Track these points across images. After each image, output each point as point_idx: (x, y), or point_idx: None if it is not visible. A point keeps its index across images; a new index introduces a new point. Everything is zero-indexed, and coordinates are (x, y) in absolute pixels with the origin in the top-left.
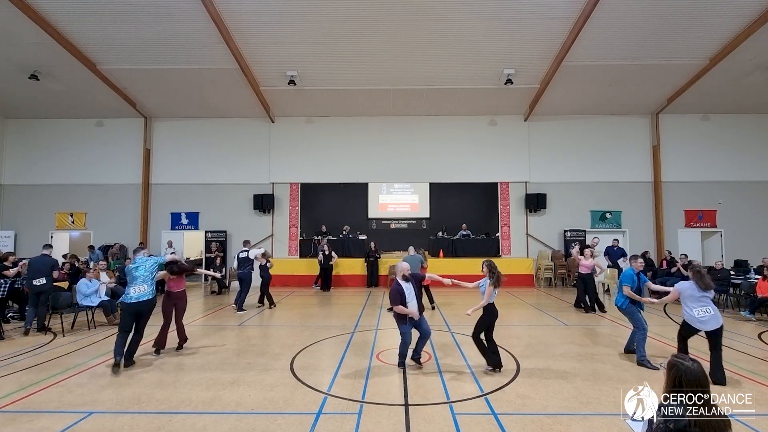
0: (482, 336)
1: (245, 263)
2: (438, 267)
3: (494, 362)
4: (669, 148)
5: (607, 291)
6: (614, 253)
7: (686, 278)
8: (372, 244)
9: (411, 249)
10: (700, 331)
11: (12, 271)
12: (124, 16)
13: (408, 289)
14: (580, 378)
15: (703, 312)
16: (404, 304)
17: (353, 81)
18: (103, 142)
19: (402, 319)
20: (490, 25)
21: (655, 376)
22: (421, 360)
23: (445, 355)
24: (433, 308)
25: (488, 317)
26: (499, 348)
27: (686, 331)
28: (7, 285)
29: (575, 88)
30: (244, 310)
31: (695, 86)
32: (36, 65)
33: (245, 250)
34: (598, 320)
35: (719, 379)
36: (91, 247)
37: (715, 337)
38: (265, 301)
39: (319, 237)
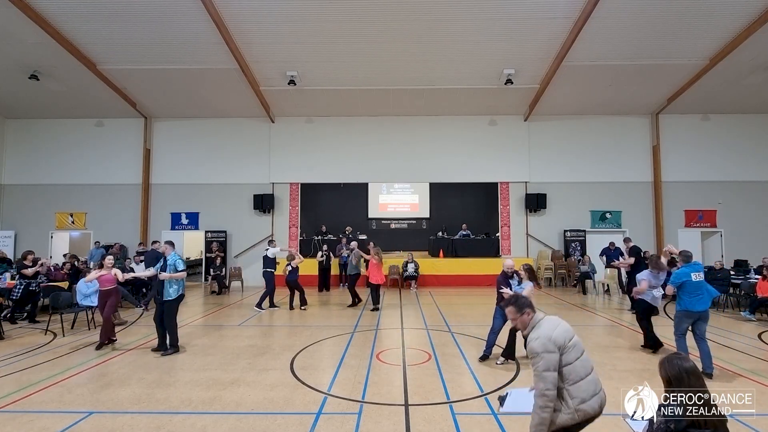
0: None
1: (266, 262)
2: (438, 267)
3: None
4: (669, 148)
5: (607, 291)
6: (611, 255)
7: None
8: (371, 244)
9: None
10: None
11: (30, 271)
12: (124, 16)
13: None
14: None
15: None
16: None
17: (353, 81)
18: (103, 142)
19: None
20: (490, 25)
21: (657, 376)
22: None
23: (445, 355)
24: (373, 310)
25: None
26: (498, 347)
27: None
28: (22, 287)
29: (575, 88)
30: (262, 309)
31: (695, 86)
32: (36, 65)
33: (266, 249)
34: (597, 320)
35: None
36: (97, 243)
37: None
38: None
39: (341, 236)
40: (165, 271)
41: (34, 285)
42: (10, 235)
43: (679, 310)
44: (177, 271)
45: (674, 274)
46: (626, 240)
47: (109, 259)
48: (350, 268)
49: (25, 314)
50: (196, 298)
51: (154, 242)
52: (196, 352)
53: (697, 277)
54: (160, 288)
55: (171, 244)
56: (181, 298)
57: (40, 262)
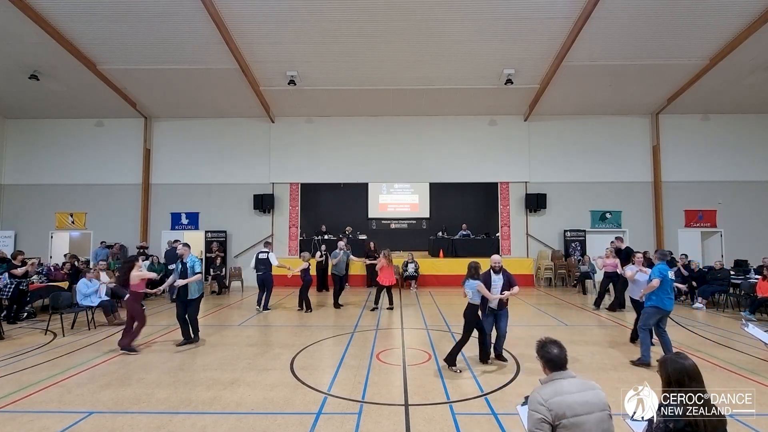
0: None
1: (263, 264)
2: (438, 267)
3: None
4: (669, 148)
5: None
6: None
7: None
8: (371, 244)
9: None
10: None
11: (20, 270)
12: (124, 16)
13: (497, 281)
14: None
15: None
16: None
17: (353, 81)
18: (103, 142)
19: (483, 308)
20: (490, 25)
21: (657, 375)
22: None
23: (445, 355)
24: (390, 308)
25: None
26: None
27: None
28: (12, 286)
29: (575, 88)
30: (268, 309)
31: (695, 86)
32: (36, 65)
33: (264, 251)
34: (597, 320)
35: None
36: (102, 243)
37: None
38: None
39: (341, 236)
40: (185, 273)
41: (23, 285)
42: (10, 235)
43: (649, 305)
44: (195, 273)
45: (657, 267)
46: (619, 239)
47: (142, 260)
48: (339, 267)
49: (15, 313)
50: None
51: (176, 241)
52: (196, 352)
53: (671, 275)
54: (183, 289)
55: (188, 246)
56: (202, 295)
57: (30, 262)
